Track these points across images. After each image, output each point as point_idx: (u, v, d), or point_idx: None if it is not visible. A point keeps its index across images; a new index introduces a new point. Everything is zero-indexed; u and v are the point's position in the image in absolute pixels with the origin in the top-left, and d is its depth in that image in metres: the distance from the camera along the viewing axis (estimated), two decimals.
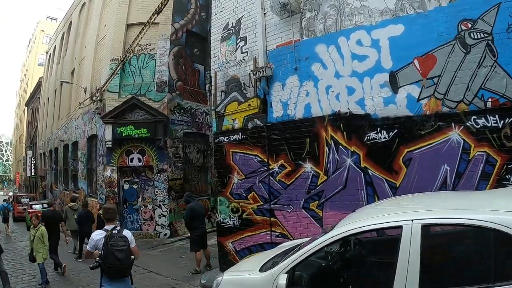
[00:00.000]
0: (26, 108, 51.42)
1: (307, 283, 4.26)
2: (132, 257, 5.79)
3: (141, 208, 17.21)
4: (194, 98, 19.14)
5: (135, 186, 17.37)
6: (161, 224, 16.91)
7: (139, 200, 17.29)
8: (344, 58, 7.52)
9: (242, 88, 9.56)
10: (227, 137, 9.82)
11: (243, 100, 9.51)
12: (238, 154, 9.54)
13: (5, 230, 20.24)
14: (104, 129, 17.20)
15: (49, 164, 31.89)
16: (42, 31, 55.79)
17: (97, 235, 5.71)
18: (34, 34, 60.05)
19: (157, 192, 16.96)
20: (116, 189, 17.12)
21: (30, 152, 42.24)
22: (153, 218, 17.09)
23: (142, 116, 17.08)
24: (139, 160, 17.14)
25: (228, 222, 9.72)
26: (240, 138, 9.51)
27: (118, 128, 16.79)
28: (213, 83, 10.58)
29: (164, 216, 16.89)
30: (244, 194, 9.33)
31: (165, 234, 16.82)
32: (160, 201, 16.92)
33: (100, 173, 17.84)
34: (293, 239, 7.59)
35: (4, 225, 21.33)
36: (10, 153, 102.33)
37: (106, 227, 5.88)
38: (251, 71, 9.15)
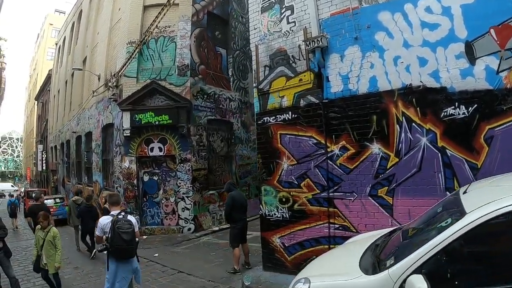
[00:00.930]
0: (36, 102, 50.16)
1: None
2: (137, 239, 6.14)
3: (162, 201, 15.75)
4: (217, 83, 17.66)
5: (155, 178, 15.88)
6: (185, 218, 15.43)
7: (160, 192, 15.82)
8: (412, 26, 6.67)
9: (291, 62, 8.44)
10: (274, 117, 8.67)
11: (292, 75, 8.38)
12: (288, 136, 8.41)
13: (12, 225, 19.72)
14: (121, 117, 15.71)
15: (61, 158, 30.55)
16: (51, 24, 54.44)
17: (105, 220, 6.04)
18: (43, 28, 58.77)
19: (180, 183, 15.48)
20: (135, 181, 15.65)
21: (40, 146, 40.97)
22: (176, 211, 15.64)
23: (162, 102, 15.57)
24: (160, 149, 15.64)
25: (275, 214, 8.58)
26: (290, 117, 8.39)
27: (136, 115, 15.29)
28: (253, 58, 9.37)
29: (188, 209, 15.41)
30: (295, 182, 8.21)
31: (189, 229, 15.37)
32: (183, 193, 15.43)
33: (117, 164, 16.35)
34: (357, 232, 7.01)
35: (11, 219, 20.67)
36: (21, 149, 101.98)
37: (112, 212, 6.20)
38: (303, 41, 8.10)
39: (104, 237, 5.96)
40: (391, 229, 5.42)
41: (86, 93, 22.05)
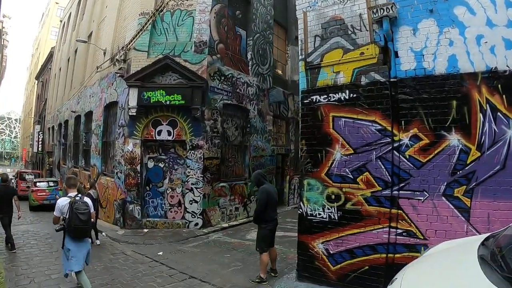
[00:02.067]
0: (36, 81, 48.04)
1: None
2: (92, 220, 6.59)
3: (168, 191, 13.83)
4: (235, 66, 15.79)
5: (161, 165, 13.95)
6: (192, 211, 13.53)
7: (165, 181, 13.89)
8: (496, 4, 5.70)
9: (349, 32, 7.15)
10: (326, 96, 7.32)
11: (351, 48, 7.06)
12: (343, 119, 7.05)
13: None
14: (128, 94, 13.77)
15: (58, 139, 28.47)
16: (56, 3, 52.31)
17: (63, 201, 6.31)
18: (48, 7, 56.62)
19: (189, 172, 13.56)
20: (138, 167, 13.72)
21: (38, 127, 39.01)
22: (182, 204, 13.74)
23: (175, 80, 13.66)
24: (169, 133, 13.69)
25: (319, 214, 7.22)
26: (347, 97, 7.06)
27: (145, 93, 13.36)
28: (301, 26, 8.03)
29: (197, 202, 13.52)
30: (350, 176, 6.89)
31: (196, 224, 13.49)
32: (192, 183, 13.53)
33: (119, 147, 14.39)
34: (424, 239, 5.99)
35: None
36: (19, 130, 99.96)
37: (70, 194, 6.47)
38: (368, 8, 6.89)
39: (61, 217, 6.28)
40: (485, 235, 4.11)
41: (90, 70, 20.01)
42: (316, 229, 7.20)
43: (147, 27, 14.20)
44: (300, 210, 7.48)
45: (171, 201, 13.79)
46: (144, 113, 13.61)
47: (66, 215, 6.16)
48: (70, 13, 30.40)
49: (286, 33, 20.84)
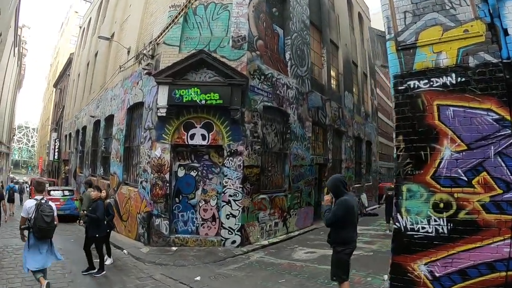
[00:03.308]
0: (54, 89, 46.49)
1: None
2: (55, 223, 6.86)
3: (200, 204, 11.80)
4: (274, 66, 13.88)
5: (193, 173, 11.91)
6: (229, 227, 11.48)
7: (197, 192, 11.86)
8: None
9: (448, 7, 6.14)
10: (426, 81, 6.13)
11: (452, 24, 6.04)
12: (451, 108, 5.86)
13: (9, 210, 18.35)
14: (156, 93, 11.84)
15: (75, 146, 26.57)
16: (76, 12, 51.21)
17: (29, 203, 6.77)
18: (67, 17, 55.49)
19: (226, 182, 11.54)
20: (166, 176, 11.69)
21: (54, 135, 37.27)
22: (217, 218, 11.72)
23: (211, 77, 11.73)
24: (203, 137, 11.69)
25: (423, 228, 5.86)
26: (454, 82, 5.88)
27: (177, 91, 11.42)
28: (384, 1, 6.87)
29: (234, 216, 11.49)
30: (464, 177, 5.62)
31: (233, 242, 11.46)
32: (230, 195, 11.49)
33: (144, 152, 12.40)
34: None
35: (9, 204, 18.65)
36: (36, 139, 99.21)
37: (36, 197, 6.96)
38: None
39: (27, 218, 6.63)
40: None
41: (111, 71, 18.12)
42: (418, 247, 5.84)
43: (178, 20, 12.40)
44: (397, 224, 6.12)
45: (204, 215, 11.76)
46: (175, 114, 11.63)
47: (32, 215, 6.54)
48: (90, 18, 28.78)
49: (321, 35, 18.86)
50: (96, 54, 23.17)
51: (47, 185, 33.83)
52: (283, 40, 14.97)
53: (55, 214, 6.90)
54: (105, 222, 9.09)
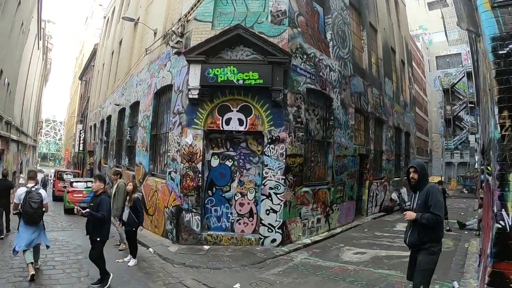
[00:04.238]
0: (80, 82, 45.69)
1: None
2: (44, 209, 7.25)
3: (236, 198, 10.36)
4: (316, 45, 12.31)
5: (228, 163, 10.47)
6: (269, 224, 10.01)
7: (233, 184, 10.41)
8: None
9: None
10: None
11: None
12: None
13: None
14: (187, 73, 10.36)
15: (99, 137, 25.41)
16: (100, 5, 50.22)
17: (21, 191, 7.25)
18: (91, 10, 54.77)
19: (266, 173, 10.06)
20: (198, 165, 10.25)
21: (80, 126, 36.35)
22: (254, 214, 10.27)
23: (248, 55, 10.25)
24: (240, 122, 10.21)
25: None
26: None
27: (210, 70, 9.93)
28: None
29: (276, 212, 10.01)
30: None
31: (273, 240, 10.01)
32: (270, 188, 9.99)
33: (173, 140, 10.99)
34: None
35: None
36: (63, 132, 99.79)
37: (28, 184, 7.40)
38: None
39: (20, 203, 7.11)
40: None
41: (136, 56, 16.74)
42: None
43: None
44: (501, 223, 4.66)
45: (240, 210, 10.32)
46: (209, 96, 10.17)
47: (22, 201, 6.99)
48: (114, 7, 27.62)
49: (360, 17, 17.13)
50: (120, 42, 21.88)
51: (43, 174, 33.12)
52: (323, 18, 13.36)
53: (45, 201, 7.29)
54: (136, 219, 8.25)
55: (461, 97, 45.47)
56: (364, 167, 15.94)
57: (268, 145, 10.01)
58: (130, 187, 8.62)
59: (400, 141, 22.30)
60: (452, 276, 7.61)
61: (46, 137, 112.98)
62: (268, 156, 10.02)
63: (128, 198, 8.60)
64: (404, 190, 21.06)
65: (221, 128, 10.23)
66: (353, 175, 14.49)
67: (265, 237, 9.94)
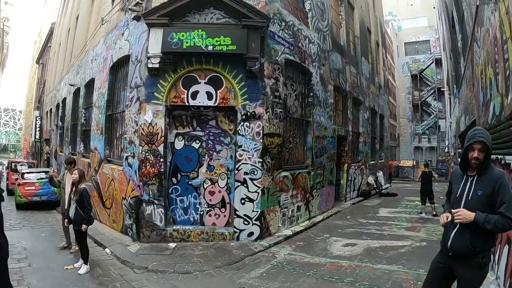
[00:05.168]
0: (37, 66, 42.55)
1: None
2: None
3: (205, 185, 8.75)
4: (294, 14, 10.72)
5: (196, 145, 8.82)
6: (244, 215, 8.47)
7: (201, 170, 8.79)
8: None
9: None
10: None
11: None
12: None
13: None
14: (147, 39, 8.62)
15: (55, 123, 23.09)
16: None
17: None
18: None
19: (240, 155, 8.49)
20: (160, 148, 8.55)
21: (37, 113, 33.51)
22: (227, 203, 8.71)
23: (219, 19, 8.58)
24: (209, 96, 8.58)
25: None
26: None
27: (175, 35, 8.22)
28: None
29: (252, 200, 8.46)
30: None
31: (251, 234, 8.50)
32: (245, 172, 8.45)
33: (131, 118, 9.25)
34: None
35: None
36: (23, 121, 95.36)
37: None
38: None
39: None
40: None
41: (93, 29, 14.75)
42: None
43: None
44: None
45: (210, 200, 8.75)
46: (172, 65, 8.45)
47: None
48: None
49: None
50: (77, 18, 19.65)
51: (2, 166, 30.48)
52: None
53: None
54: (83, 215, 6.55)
55: (429, 83, 45.52)
56: (342, 150, 14.71)
57: (242, 123, 8.43)
58: (75, 176, 6.87)
59: (375, 124, 21.35)
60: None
61: (6, 128, 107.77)
62: (242, 135, 8.45)
63: (73, 190, 6.89)
64: (380, 174, 20.19)
65: (187, 103, 8.56)
66: (332, 158, 13.18)
67: (241, 230, 8.42)
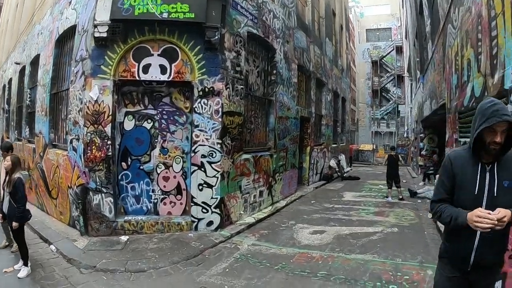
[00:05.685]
0: None
1: None
2: None
3: (159, 170, 7.76)
4: None
5: (147, 125, 7.79)
6: (203, 203, 7.56)
7: (154, 153, 7.78)
8: None
9: None
10: None
11: None
12: None
13: None
14: (95, 6, 7.44)
15: (1, 106, 21.17)
16: None
17: None
18: None
19: (197, 136, 7.54)
20: (107, 129, 7.45)
21: None
22: (183, 190, 7.75)
23: None
24: (163, 69, 7.54)
25: None
26: None
27: (126, 0, 7.08)
28: None
29: (211, 186, 7.56)
30: None
31: (210, 223, 7.63)
32: (203, 155, 7.52)
33: (76, 96, 8.06)
34: None
35: None
36: None
37: None
38: None
39: None
40: None
41: (40, 1, 13.25)
42: None
43: None
44: None
45: (164, 187, 7.78)
46: (122, 34, 7.34)
47: None
48: None
49: None
50: None
51: None
52: None
53: None
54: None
55: (389, 69, 45.95)
56: (305, 132, 14.06)
57: (199, 100, 7.47)
58: (7, 163, 5.71)
59: (337, 107, 20.97)
60: (435, 255, 5.95)
61: None
62: (199, 114, 7.49)
63: (6, 180, 5.74)
64: (342, 157, 19.82)
65: (137, 78, 7.49)
66: (295, 140, 12.52)
67: (199, 219, 7.53)
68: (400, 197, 12.05)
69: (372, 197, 12.71)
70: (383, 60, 46.09)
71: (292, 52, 11.90)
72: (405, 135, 35.16)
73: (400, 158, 14.27)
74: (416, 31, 19.02)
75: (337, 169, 17.85)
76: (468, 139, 6.73)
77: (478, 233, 2.29)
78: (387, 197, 12.23)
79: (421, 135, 18.74)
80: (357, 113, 46.67)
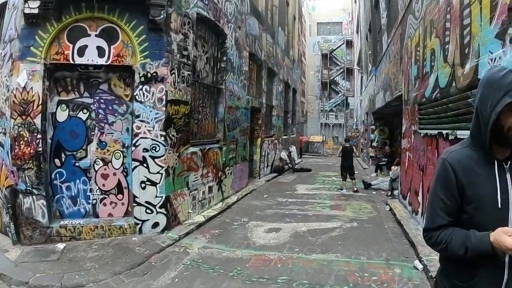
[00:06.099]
0: None
1: None
2: None
3: (96, 167, 6.85)
4: None
5: (83, 115, 6.82)
6: (146, 202, 6.75)
7: (90, 147, 6.85)
8: None
9: None
10: None
11: None
12: None
13: None
14: None
15: None
16: None
17: None
18: None
19: (138, 128, 6.70)
20: (37, 121, 6.44)
21: None
22: (125, 188, 6.90)
23: None
24: (101, 52, 6.61)
25: None
26: None
27: None
28: None
29: (154, 184, 6.75)
30: None
31: (155, 225, 6.83)
32: (145, 149, 6.70)
33: (2, 83, 6.96)
34: None
35: None
36: None
37: None
38: None
39: None
40: None
41: None
42: None
43: None
44: None
45: (103, 185, 6.88)
46: (56, 11, 6.32)
47: None
48: None
49: None
50: None
51: None
52: None
53: None
54: None
55: (338, 63, 46.43)
56: (255, 123, 13.55)
57: (141, 86, 6.61)
58: None
59: (288, 97, 20.65)
60: (404, 252, 5.87)
61: None
62: (140, 102, 6.63)
63: None
64: (293, 149, 19.53)
65: (72, 61, 6.52)
66: (246, 132, 11.94)
67: (143, 221, 6.71)
68: (355, 189, 11.89)
69: (326, 190, 12.42)
70: (333, 54, 46.39)
71: (243, 39, 11.23)
72: (354, 127, 35.52)
73: (355, 150, 14.11)
74: (370, 25, 18.95)
75: (288, 161, 17.48)
76: (431, 131, 6.43)
77: (507, 259, 1.57)
78: (341, 189, 12.02)
79: (372, 126, 18.73)
80: (306, 105, 46.81)
